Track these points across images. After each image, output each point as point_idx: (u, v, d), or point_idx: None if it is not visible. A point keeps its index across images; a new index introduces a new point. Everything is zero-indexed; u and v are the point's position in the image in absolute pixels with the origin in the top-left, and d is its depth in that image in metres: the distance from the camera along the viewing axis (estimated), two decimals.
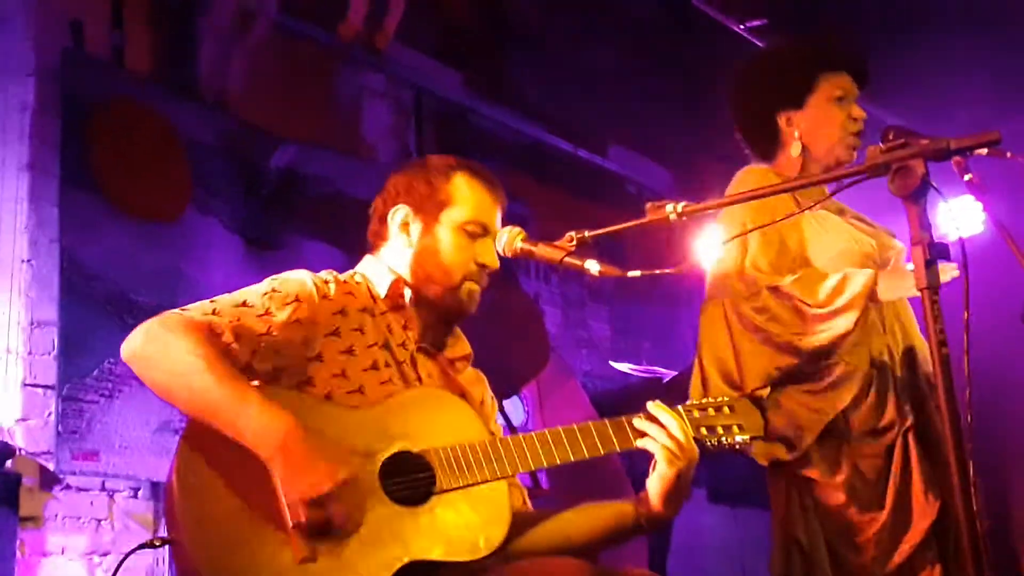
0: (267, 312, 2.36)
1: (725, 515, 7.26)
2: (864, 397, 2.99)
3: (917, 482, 2.95)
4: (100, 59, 5.06)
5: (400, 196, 2.63)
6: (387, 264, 2.61)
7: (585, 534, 2.50)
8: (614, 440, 2.44)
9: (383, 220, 2.64)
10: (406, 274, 2.59)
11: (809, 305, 2.92)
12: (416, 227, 2.60)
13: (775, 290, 2.97)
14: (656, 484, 2.43)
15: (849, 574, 2.95)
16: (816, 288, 2.94)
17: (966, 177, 2.22)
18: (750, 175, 3.14)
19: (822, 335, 2.92)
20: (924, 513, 2.94)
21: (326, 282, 2.50)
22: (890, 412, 2.98)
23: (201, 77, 5.42)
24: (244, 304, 2.36)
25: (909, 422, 2.98)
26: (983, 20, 5.93)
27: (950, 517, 2.93)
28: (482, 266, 2.59)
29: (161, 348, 2.26)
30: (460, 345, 2.68)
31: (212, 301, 2.37)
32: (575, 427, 2.43)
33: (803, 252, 3.05)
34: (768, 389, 2.94)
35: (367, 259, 2.67)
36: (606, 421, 2.45)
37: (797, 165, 3.14)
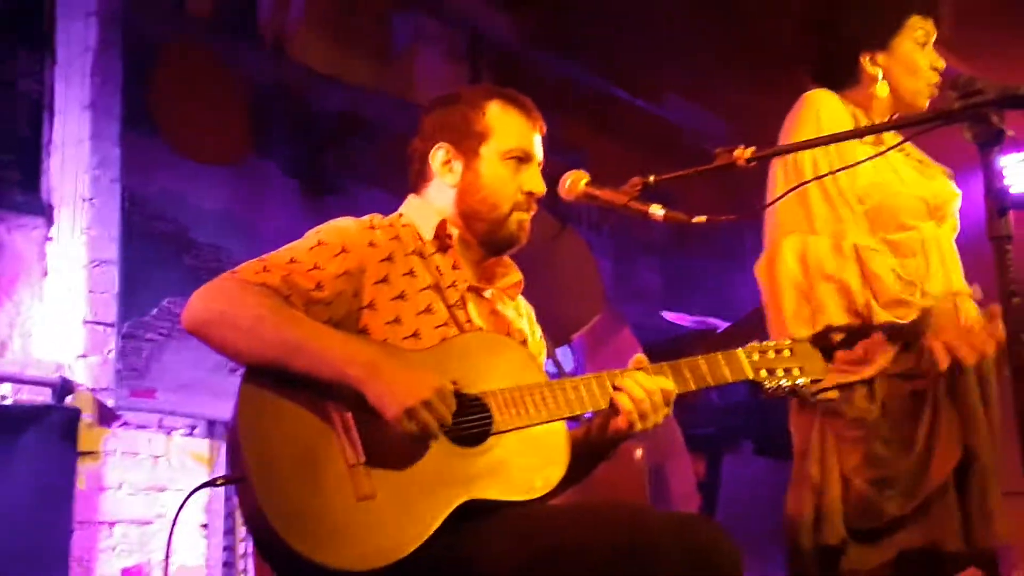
0: (316, 266, 2.35)
1: (772, 467, 7.25)
2: (904, 349, 2.96)
3: (944, 428, 2.91)
4: (162, 1, 5.08)
5: (438, 134, 2.60)
6: (433, 204, 2.60)
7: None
8: (672, 383, 2.42)
9: (424, 160, 2.62)
10: (453, 213, 2.58)
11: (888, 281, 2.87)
12: (458, 164, 2.58)
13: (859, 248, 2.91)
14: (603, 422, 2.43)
15: (864, 510, 2.91)
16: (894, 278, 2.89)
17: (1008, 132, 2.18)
18: (819, 100, 3.05)
19: (889, 314, 2.87)
20: (947, 458, 2.90)
21: (372, 228, 2.49)
22: (926, 359, 2.94)
23: (260, 20, 5.43)
24: (292, 261, 2.35)
25: (945, 366, 2.94)
26: None
27: (973, 465, 2.91)
28: (529, 194, 2.57)
29: (223, 310, 2.27)
30: (511, 274, 2.67)
31: (260, 260, 2.36)
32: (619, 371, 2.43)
33: (859, 188, 2.98)
34: (842, 335, 2.90)
35: (411, 200, 2.65)
36: (665, 364, 2.44)
37: (876, 106, 3.08)
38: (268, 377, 2.23)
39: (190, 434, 4.87)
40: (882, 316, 2.86)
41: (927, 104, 3.06)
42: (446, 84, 6.43)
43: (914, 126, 2.20)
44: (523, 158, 2.58)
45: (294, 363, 2.22)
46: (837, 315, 2.87)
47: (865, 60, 3.07)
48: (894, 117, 3.05)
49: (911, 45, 3.05)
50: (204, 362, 4.73)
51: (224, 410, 2.33)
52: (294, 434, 2.20)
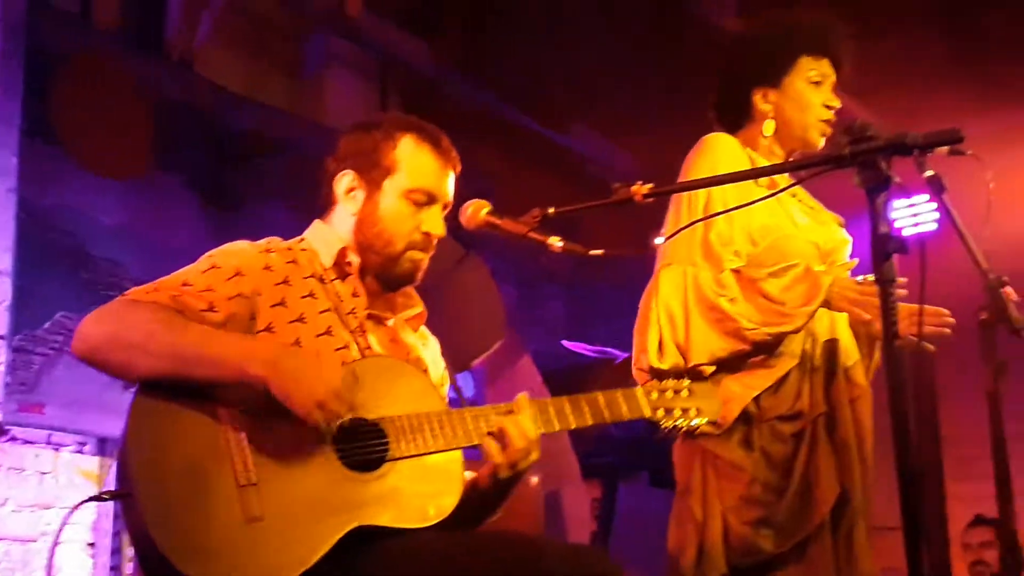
0: (208, 288, 2.33)
1: (666, 498, 7.32)
2: (783, 382, 3.03)
3: (821, 470, 3.00)
4: (67, 12, 5.01)
5: (347, 160, 2.58)
6: (335, 231, 2.58)
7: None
8: (571, 418, 2.45)
9: (331, 184, 2.60)
10: (351, 241, 2.56)
11: (771, 300, 2.94)
12: (360, 193, 2.56)
13: (738, 273, 2.99)
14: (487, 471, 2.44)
15: (744, 550, 2.98)
16: (780, 282, 2.96)
17: (926, 174, 2.26)
18: (716, 142, 3.14)
19: (772, 329, 2.94)
20: (824, 499, 2.99)
21: (268, 251, 2.47)
22: (804, 399, 3.02)
23: (168, 35, 5.38)
24: (185, 284, 2.33)
25: (821, 411, 3.03)
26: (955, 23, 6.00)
27: (847, 507, 3.00)
28: (427, 234, 2.56)
29: (113, 331, 2.24)
30: (413, 304, 2.66)
31: (152, 283, 2.33)
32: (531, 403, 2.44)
33: (753, 229, 3.05)
34: (713, 368, 2.96)
35: (316, 225, 2.62)
36: (565, 399, 2.47)
37: (768, 145, 3.16)
38: (161, 393, 2.20)
39: (79, 451, 4.78)
40: (761, 333, 2.93)
41: (821, 141, 3.16)
42: (356, 106, 6.43)
43: (805, 168, 2.26)
44: (426, 200, 2.55)
45: (192, 372, 2.19)
46: (716, 342, 2.94)
47: (757, 97, 3.16)
48: (790, 159, 3.14)
49: (802, 83, 3.14)
50: (96, 378, 4.59)
51: (116, 427, 2.29)
52: (185, 451, 2.17)
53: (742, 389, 2.99)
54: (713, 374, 2.95)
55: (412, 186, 2.54)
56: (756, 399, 3.00)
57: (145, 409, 2.20)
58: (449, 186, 2.60)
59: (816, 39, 3.17)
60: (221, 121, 5.53)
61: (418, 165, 2.55)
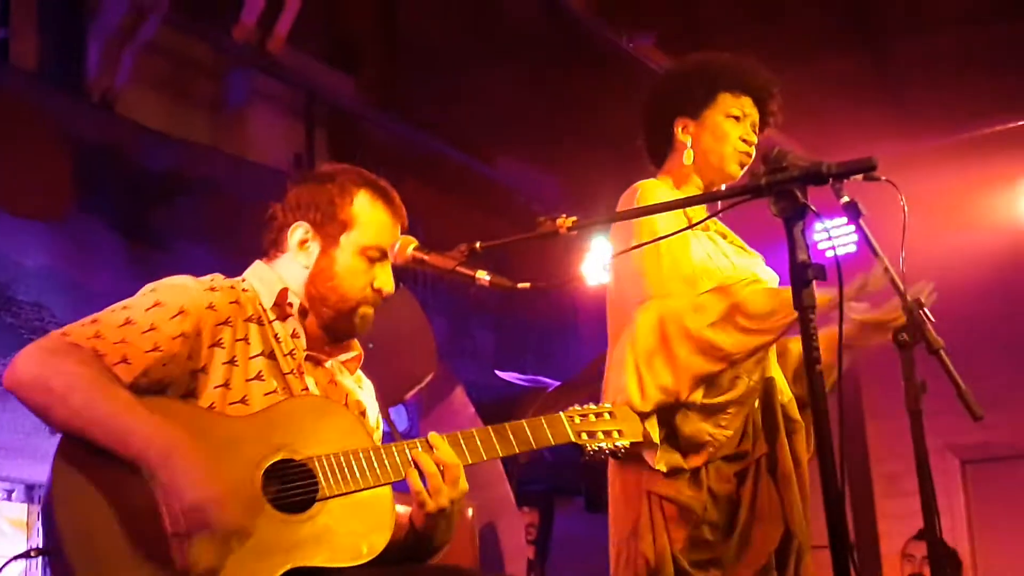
0: (152, 328, 2.31)
1: (603, 523, 7.35)
2: (730, 422, 3.09)
3: (764, 509, 3.07)
4: None
5: (300, 211, 2.58)
6: (279, 274, 2.57)
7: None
8: (497, 447, 2.47)
9: (281, 231, 2.59)
10: (299, 290, 2.55)
11: (748, 316, 2.97)
12: (315, 247, 2.56)
13: (717, 290, 3.02)
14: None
15: None
16: (757, 293, 3.00)
17: (843, 200, 2.32)
18: (647, 188, 3.21)
19: (754, 343, 2.98)
20: (769, 539, 3.06)
21: (212, 290, 2.45)
22: (748, 440, 3.10)
23: (88, 75, 5.33)
24: (128, 322, 2.30)
25: (764, 450, 3.11)
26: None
27: (790, 544, 3.07)
28: (378, 291, 2.57)
29: (38, 373, 2.21)
30: (351, 347, 2.67)
31: (94, 321, 2.30)
32: (452, 435, 2.45)
33: (693, 271, 3.11)
34: (701, 392, 3.00)
35: (257, 265, 2.62)
36: (490, 428, 2.48)
37: (688, 174, 3.23)
38: (87, 444, 2.17)
39: (7, 499, 4.70)
40: (744, 352, 2.97)
41: (739, 171, 3.23)
42: (282, 141, 6.41)
43: (724, 198, 2.31)
44: (379, 256, 2.57)
45: (97, 437, 2.16)
46: (700, 365, 2.98)
47: (678, 128, 3.25)
48: (714, 190, 3.21)
49: (720, 117, 3.24)
50: (22, 424, 4.58)
51: (43, 473, 2.26)
52: (113, 501, 2.14)
53: (716, 429, 3.05)
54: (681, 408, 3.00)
55: (368, 243, 2.55)
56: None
57: (71, 458, 2.17)
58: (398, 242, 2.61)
59: (737, 77, 3.26)
60: (143, 160, 5.48)
61: (374, 221, 2.57)
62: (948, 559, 6.17)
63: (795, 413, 3.17)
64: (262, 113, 6.43)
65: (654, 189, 3.17)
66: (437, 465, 2.38)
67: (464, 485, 2.41)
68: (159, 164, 5.54)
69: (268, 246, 2.62)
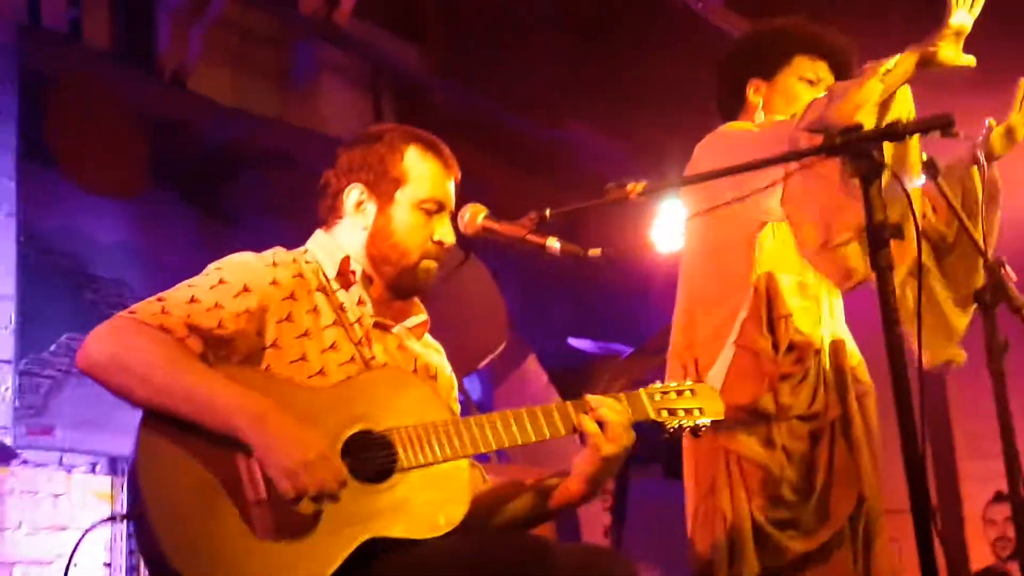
0: (217, 305, 2.33)
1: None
2: (801, 380, 3.06)
3: (840, 472, 3.05)
4: (57, 33, 5.02)
5: (353, 173, 2.59)
6: (339, 242, 2.58)
7: (514, 512, 2.53)
8: (559, 424, 2.45)
9: (337, 196, 2.60)
10: (360, 254, 2.56)
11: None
12: (371, 207, 2.57)
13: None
14: (582, 465, 2.45)
15: (771, 549, 3.00)
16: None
17: (922, 158, 2.27)
18: (727, 130, 3.18)
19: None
20: (844, 501, 3.03)
21: (274, 265, 2.46)
22: (820, 400, 3.06)
23: (159, 52, 5.39)
24: (193, 300, 2.32)
25: (836, 413, 3.07)
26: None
27: (863, 508, 3.06)
28: (439, 243, 2.58)
29: (115, 352, 2.24)
30: (417, 313, 2.67)
31: (160, 299, 2.32)
32: (529, 409, 2.44)
33: None
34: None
35: (318, 235, 2.63)
36: (554, 404, 2.47)
37: None
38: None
39: (91, 471, 4.79)
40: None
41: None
42: (350, 113, 6.43)
43: (800, 157, 2.27)
44: (436, 208, 2.57)
45: (183, 411, 2.19)
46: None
47: (750, 89, 3.21)
48: None
49: (794, 80, 3.18)
50: (105, 398, 4.62)
51: (126, 446, 2.30)
52: (195, 469, 2.17)
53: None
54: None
55: (424, 196, 2.56)
56: (776, 398, 3.02)
57: (154, 429, 2.20)
58: (453, 193, 2.62)
59: (815, 41, 3.21)
60: (214, 135, 5.53)
61: (427, 175, 2.57)
62: None
63: (864, 376, 3.13)
64: (330, 85, 6.45)
65: (730, 130, 3.16)
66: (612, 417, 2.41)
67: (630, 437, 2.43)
68: (230, 138, 5.58)
69: (326, 214, 2.63)
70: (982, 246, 2.24)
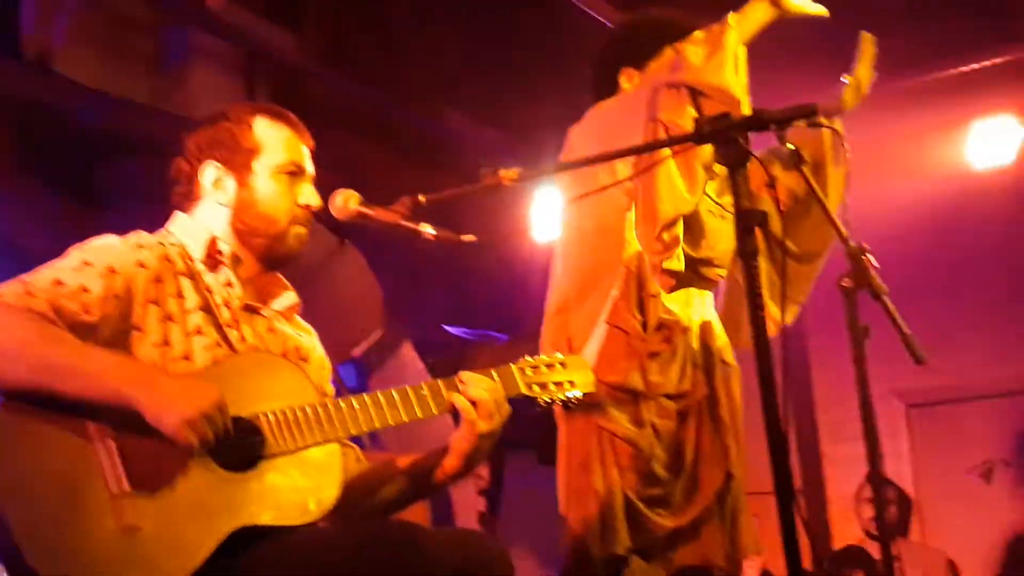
0: (82, 288, 2.28)
1: (555, 476, 7.37)
2: (671, 360, 3.12)
3: (708, 450, 3.13)
4: None
5: (204, 153, 2.56)
6: (202, 222, 2.55)
7: (390, 493, 2.55)
8: (431, 403, 2.45)
9: (192, 179, 2.57)
10: (227, 232, 2.53)
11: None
12: (230, 182, 2.54)
13: None
14: (458, 442, 2.47)
15: (642, 526, 3.06)
16: None
17: (787, 146, 2.33)
18: (597, 107, 3.26)
19: None
20: (712, 479, 3.11)
21: (139, 247, 2.42)
22: (688, 379, 3.13)
23: (23, 34, 5.22)
24: (57, 283, 2.27)
25: (704, 392, 3.14)
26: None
27: (730, 484, 3.16)
28: (306, 206, 2.56)
29: None
30: (287, 295, 2.64)
31: (22, 282, 2.26)
32: (400, 390, 2.44)
33: None
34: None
35: (179, 218, 2.58)
36: (426, 384, 2.47)
37: None
38: (24, 405, 2.14)
39: None
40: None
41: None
42: (223, 100, 6.31)
43: (669, 145, 2.30)
44: (296, 172, 2.56)
45: (64, 386, 2.14)
46: None
47: (623, 77, 3.29)
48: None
49: (665, 70, 3.24)
50: None
51: None
52: (53, 464, 2.12)
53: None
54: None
55: (282, 161, 2.55)
56: (644, 375, 3.06)
57: (7, 422, 2.14)
58: (309, 159, 2.61)
59: (682, 32, 3.28)
60: (82, 120, 5.38)
61: (280, 140, 2.56)
62: (900, 500, 6.26)
63: (730, 357, 3.21)
64: (203, 71, 6.32)
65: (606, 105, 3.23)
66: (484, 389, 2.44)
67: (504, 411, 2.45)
68: (98, 123, 5.44)
69: (181, 200, 2.60)
70: (843, 232, 2.29)
